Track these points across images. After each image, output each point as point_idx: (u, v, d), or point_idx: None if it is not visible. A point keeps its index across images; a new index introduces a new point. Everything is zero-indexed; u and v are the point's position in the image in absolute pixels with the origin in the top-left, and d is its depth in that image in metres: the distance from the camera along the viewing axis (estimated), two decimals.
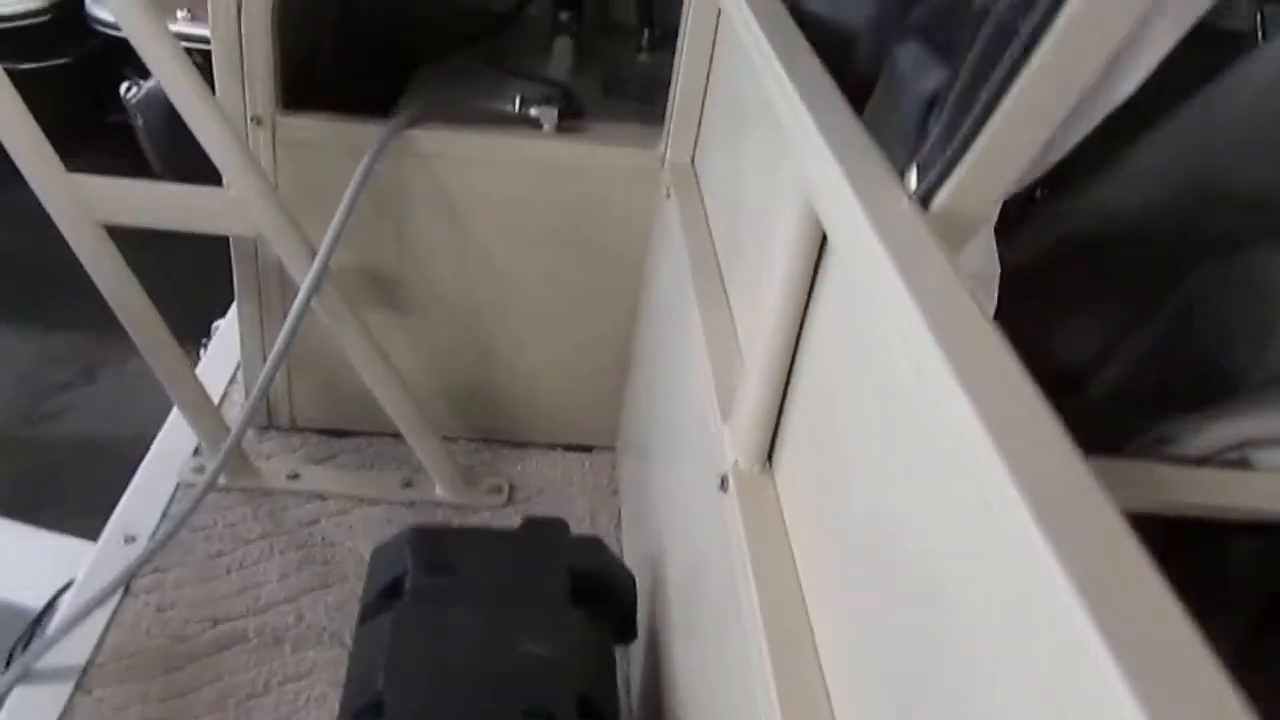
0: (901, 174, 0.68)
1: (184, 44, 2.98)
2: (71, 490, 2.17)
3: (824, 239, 0.76)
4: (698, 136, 1.45)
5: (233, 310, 1.73)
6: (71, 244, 1.37)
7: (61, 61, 2.90)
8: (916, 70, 0.75)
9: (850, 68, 0.89)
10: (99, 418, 2.51)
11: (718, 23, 1.34)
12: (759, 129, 1.06)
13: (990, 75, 0.58)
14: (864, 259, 0.61)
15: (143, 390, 1.81)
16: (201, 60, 1.45)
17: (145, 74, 2.93)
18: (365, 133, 1.45)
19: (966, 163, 0.61)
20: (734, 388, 0.93)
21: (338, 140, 1.47)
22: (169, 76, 1.32)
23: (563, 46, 1.87)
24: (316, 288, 1.41)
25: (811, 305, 0.80)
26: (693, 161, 1.46)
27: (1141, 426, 0.86)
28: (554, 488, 1.74)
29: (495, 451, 1.79)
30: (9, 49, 2.70)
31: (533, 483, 1.74)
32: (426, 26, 1.89)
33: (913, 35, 0.79)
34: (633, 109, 1.65)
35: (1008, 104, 0.57)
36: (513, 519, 1.54)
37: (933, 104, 0.69)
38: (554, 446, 1.81)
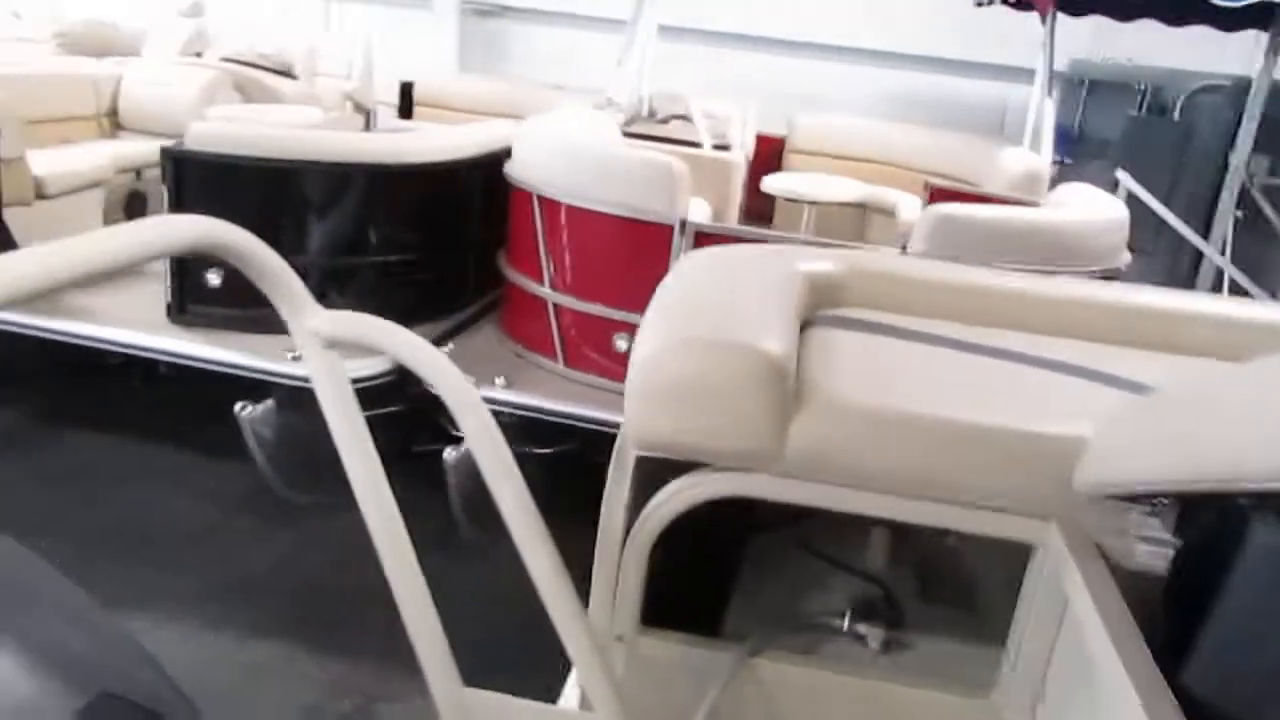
0: None
1: (495, 409, 3.35)
2: None
3: None
4: (1043, 690, 1.44)
5: None
6: None
7: (395, 409, 3.31)
8: None
9: None
10: None
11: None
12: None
13: None
14: None
15: None
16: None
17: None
18: (714, 659, 1.56)
19: None
20: None
21: (688, 661, 1.59)
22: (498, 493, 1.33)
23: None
24: None
25: None
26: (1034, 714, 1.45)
27: None
28: None
29: None
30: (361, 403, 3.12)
31: None
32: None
33: None
34: (945, 616, 1.70)
35: None
36: None
37: None
38: None
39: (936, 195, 4.34)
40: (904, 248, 3.16)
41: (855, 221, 5.62)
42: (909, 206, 4.97)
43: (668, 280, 1.41)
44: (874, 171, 5.79)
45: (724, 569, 1.96)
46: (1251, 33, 5.98)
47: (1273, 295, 6.07)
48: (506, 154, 3.73)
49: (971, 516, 1.15)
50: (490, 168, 3.74)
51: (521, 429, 3.32)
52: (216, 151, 3.28)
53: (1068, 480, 1.07)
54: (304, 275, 3.98)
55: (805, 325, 1.43)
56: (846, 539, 1.93)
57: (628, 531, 1.25)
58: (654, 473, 1.22)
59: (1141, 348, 1.50)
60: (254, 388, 3.22)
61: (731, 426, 1.15)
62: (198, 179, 3.32)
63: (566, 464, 3.37)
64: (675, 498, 1.20)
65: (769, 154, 6.02)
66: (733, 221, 4.91)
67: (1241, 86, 6.44)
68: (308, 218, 3.48)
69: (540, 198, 3.43)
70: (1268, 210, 6.36)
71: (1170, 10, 5.21)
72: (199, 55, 5.43)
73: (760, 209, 5.57)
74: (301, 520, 3.52)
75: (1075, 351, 1.41)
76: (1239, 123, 6.21)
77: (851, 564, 1.85)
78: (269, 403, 3.19)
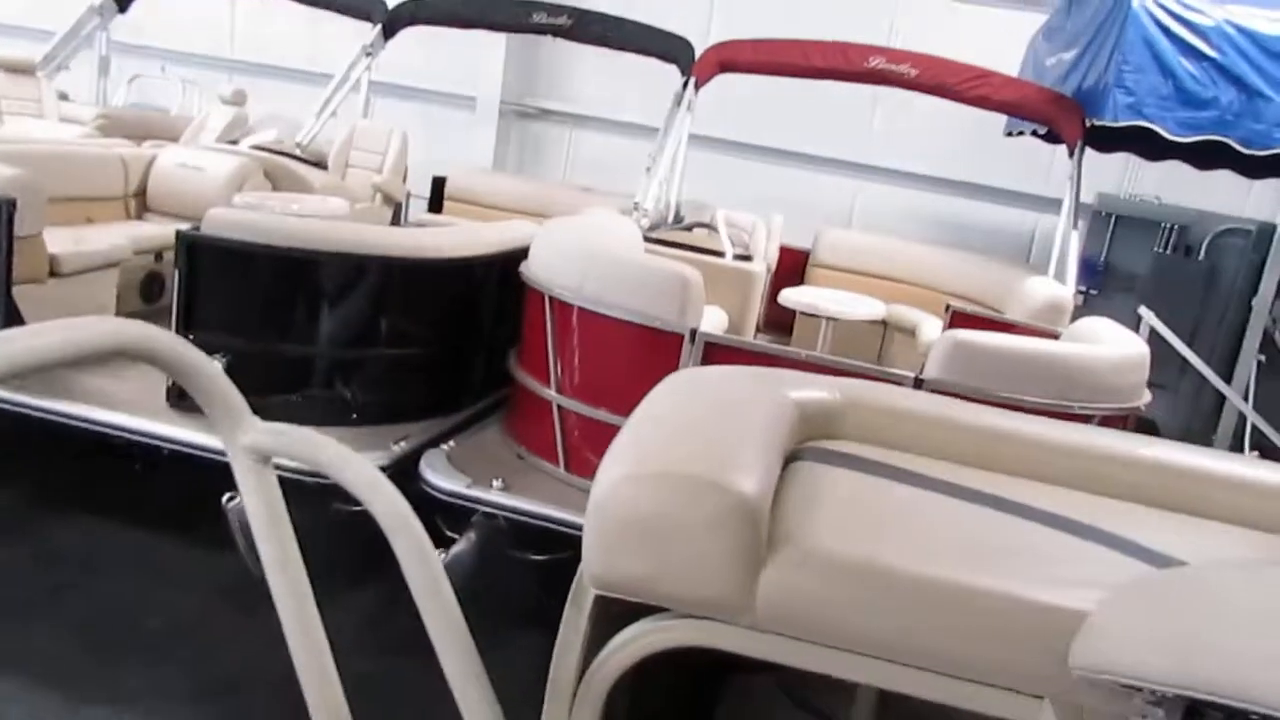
0: None
1: (490, 511, 3.25)
2: None
3: None
4: None
5: None
6: None
7: None
8: None
9: None
10: None
11: None
12: None
13: None
14: None
15: None
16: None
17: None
18: None
19: None
20: None
21: None
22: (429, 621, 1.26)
23: None
24: None
25: None
26: None
27: None
28: None
29: None
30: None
31: None
32: None
33: None
34: None
35: None
36: None
37: None
38: None
39: (957, 318, 4.30)
40: (921, 370, 3.08)
41: (874, 339, 5.57)
42: (930, 327, 4.92)
43: (645, 401, 1.34)
44: (897, 290, 5.77)
45: (694, 712, 1.84)
46: (1276, 181, 6.00)
47: None
48: (525, 253, 3.72)
49: (956, 688, 1.04)
50: (508, 266, 3.73)
51: (517, 534, 3.22)
52: (231, 237, 3.28)
53: (1064, 657, 0.97)
54: (311, 365, 3.96)
55: (792, 458, 1.35)
56: (830, 687, 1.80)
57: (582, 677, 1.15)
58: (617, 613, 1.13)
59: (1161, 508, 1.40)
60: None
61: (695, 571, 1.06)
62: (210, 264, 3.32)
63: (561, 572, 3.26)
64: (631, 645, 1.10)
65: (792, 266, 6.03)
66: (750, 331, 4.88)
67: (1265, 231, 6.44)
68: (318, 308, 3.46)
69: (552, 299, 3.40)
70: None
71: (1196, 153, 5.23)
72: (235, 142, 5.55)
73: (780, 320, 5.55)
74: None
75: (1086, 508, 1.31)
76: (1263, 266, 6.19)
77: (833, 716, 1.73)
78: None
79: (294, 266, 3.36)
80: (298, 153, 5.79)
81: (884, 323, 5.41)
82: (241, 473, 1.15)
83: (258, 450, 1.13)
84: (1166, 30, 4.48)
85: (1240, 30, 4.47)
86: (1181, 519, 1.39)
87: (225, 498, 3.01)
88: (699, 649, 1.14)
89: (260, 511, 1.15)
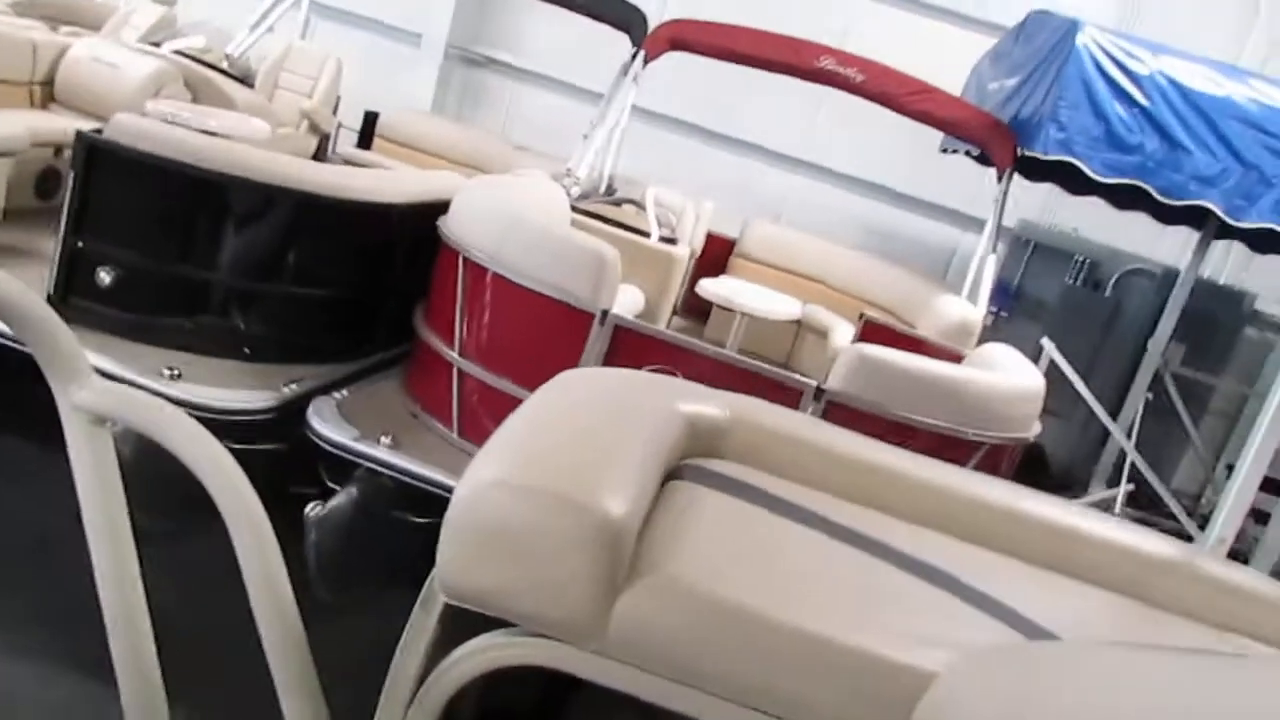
0: None
1: (375, 468, 3.17)
2: None
3: None
4: None
5: None
6: None
7: (274, 447, 3.14)
8: None
9: None
10: None
11: None
12: None
13: None
14: None
15: None
16: None
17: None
18: None
19: None
20: None
21: None
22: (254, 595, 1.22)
23: None
24: None
25: None
26: None
27: None
28: None
29: None
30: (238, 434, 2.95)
31: None
32: None
33: None
34: None
35: None
36: None
37: None
38: None
39: (868, 329, 4.35)
40: (824, 378, 3.09)
41: (787, 339, 5.61)
42: (843, 334, 4.97)
43: (531, 401, 1.30)
44: (816, 291, 5.81)
45: None
46: (1185, 229, 6.22)
47: (1165, 482, 6.20)
48: (446, 207, 3.62)
49: None
50: (428, 218, 3.62)
51: (401, 494, 3.15)
52: (135, 146, 3.11)
53: (908, 716, 0.96)
54: (206, 292, 3.79)
55: (675, 475, 1.32)
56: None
57: (423, 682, 1.11)
58: (467, 620, 1.09)
59: (1032, 563, 1.41)
60: None
61: (550, 591, 1.02)
62: (109, 170, 3.14)
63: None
64: (476, 658, 1.06)
65: (717, 254, 6.01)
66: (666, 315, 4.85)
67: (1170, 276, 6.69)
68: (220, 234, 3.30)
69: (467, 259, 3.32)
70: (1175, 398, 6.55)
71: (1117, 194, 5.37)
72: (158, 44, 5.26)
73: (700, 306, 5.54)
74: (146, 545, 3.28)
75: (956, 558, 1.31)
76: (1162, 309, 6.43)
77: None
78: None
79: (198, 187, 3.19)
80: (224, 65, 5.53)
81: (799, 323, 5.44)
82: (72, 432, 1.07)
83: (92, 410, 1.05)
84: (1104, 73, 4.57)
85: (1172, 83, 4.58)
86: (1049, 578, 1.41)
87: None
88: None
89: (88, 476, 1.07)
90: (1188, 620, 1.41)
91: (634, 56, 5.48)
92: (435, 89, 8.37)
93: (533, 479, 1.06)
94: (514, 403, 1.25)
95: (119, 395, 1.06)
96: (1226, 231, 5.47)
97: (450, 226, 3.49)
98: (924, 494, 1.46)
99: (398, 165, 5.56)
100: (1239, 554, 4.98)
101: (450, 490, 3.26)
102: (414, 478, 3.08)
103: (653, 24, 5.57)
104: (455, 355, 3.34)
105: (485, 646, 1.07)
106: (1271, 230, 4.64)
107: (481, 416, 3.33)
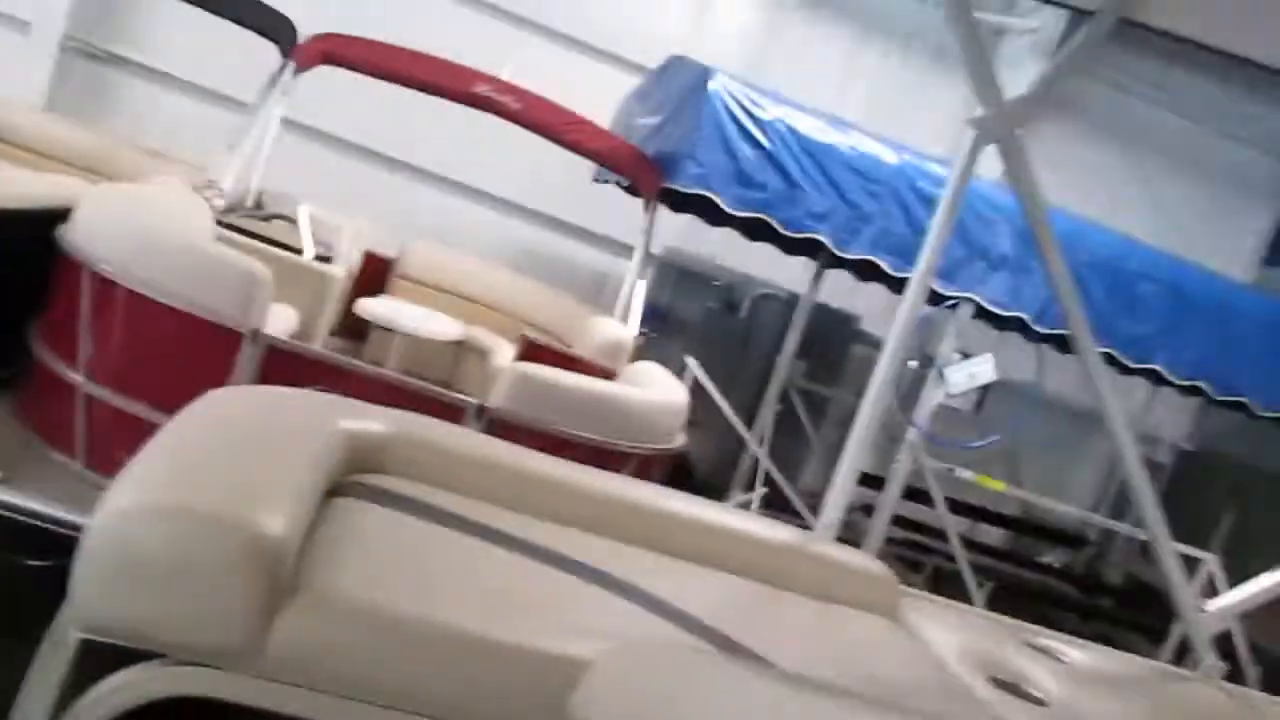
0: None
1: None
2: None
3: None
4: None
5: None
6: None
7: None
8: None
9: None
10: None
11: None
12: None
13: None
14: None
15: None
16: None
17: None
18: None
19: None
20: None
21: None
22: None
23: None
24: None
25: None
26: None
27: None
28: None
29: None
30: None
31: None
32: None
33: None
34: None
35: None
36: None
37: None
38: None
39: (528, 348, 4.48)
40: (486, 398, 3.16)
41: (448, 359, 5.62)
42: (503, 354, 5.07)
43: (174, 422, 1.23)
44: (477, 312, 5.88)
45: None
46: (805, 258, 7.02)
47: (794, 484, 6.93)
48: (67, 215, 3.26)
49: None
50: (42, 227, 3.24)
51: (16, 534, 2.79)
52: None
53: (562, 710, 1.03)
54: None
55: (337, 492, 1.31)
56: None
57: None
58: (105, 657, 1.01)
59: (679, 557, 1.55)
60: None
61: (201, 617, 0.98)
62: None
63: (63, 583, 2.87)
64: (116, 695, 0.99)
65: (376, 274, 5.90)
66: (321, 336, 4.69)
67: (794, 300, 7.52)
68: None
69: (94, 273, 3.02)
70: (800, 409, 7.39)
71: (747, 226, 5.95)
72: None
73: (357, 327, 5.40)
74: None
75: (611, 554, 1.41)
76: (787, 329, 7.24)
77: None
78: None
79: None
80: None
81: (460, 343, 5.48)
82: None
83: None
84: (734, 117, 5.07)
85: (789, 129, 5.18)
86: (693, 569, 1.55)
87: None
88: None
89: None
90: (797, 595, 1.62)
91: (283, 68, 5.26)
92: (51, 84, 7.48)
93: (178, 500, 1.01)
94: (152, 429, 1.17)
95: None
96: (836, 261, 6.23)
97: (74, 236, 3.15)
98: (580, 499, 1.55)
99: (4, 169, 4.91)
100: (854, 541, 5.67)
101: (75, 528, 2.95)
102: (27, 515, 2.75)
103: (305, 33, 5.38)
104: (80, 378, 3.02)
105: (131, 681, 1.00)
106: (869, 261, 5.37)
107: (113, 445, 3.03)
